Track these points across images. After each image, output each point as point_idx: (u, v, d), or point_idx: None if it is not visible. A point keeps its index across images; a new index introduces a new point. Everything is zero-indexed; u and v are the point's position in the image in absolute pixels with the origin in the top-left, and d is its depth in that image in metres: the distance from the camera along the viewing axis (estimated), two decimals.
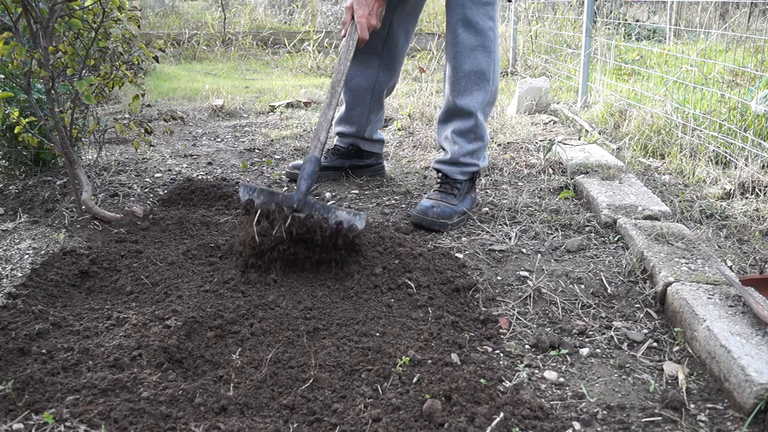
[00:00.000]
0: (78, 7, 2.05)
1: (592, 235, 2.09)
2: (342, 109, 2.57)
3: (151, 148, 3.10)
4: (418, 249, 1.86)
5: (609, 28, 5.23)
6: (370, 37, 2.25)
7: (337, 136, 2.65)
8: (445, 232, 2.10)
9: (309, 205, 1.66)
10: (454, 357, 1.40)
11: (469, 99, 2.15)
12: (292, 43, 6.67)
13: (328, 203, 2.30)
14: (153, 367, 1.32)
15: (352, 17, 2.04)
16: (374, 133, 2.62)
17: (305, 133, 3.47)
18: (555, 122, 3.67)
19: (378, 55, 2.42)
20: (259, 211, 1.64)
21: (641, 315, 1.63)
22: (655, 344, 1.50)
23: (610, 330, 1.56)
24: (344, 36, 2.04)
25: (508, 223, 2.18)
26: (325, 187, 2.54)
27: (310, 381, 1.30)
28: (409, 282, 1.70)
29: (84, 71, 2.17)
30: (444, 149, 2.27)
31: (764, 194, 2.42)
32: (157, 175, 2.67)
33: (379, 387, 1.29)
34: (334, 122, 2.58)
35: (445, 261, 1.85)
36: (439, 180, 2.27)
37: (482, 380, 1.30)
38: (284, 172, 2.71)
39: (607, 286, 1.76)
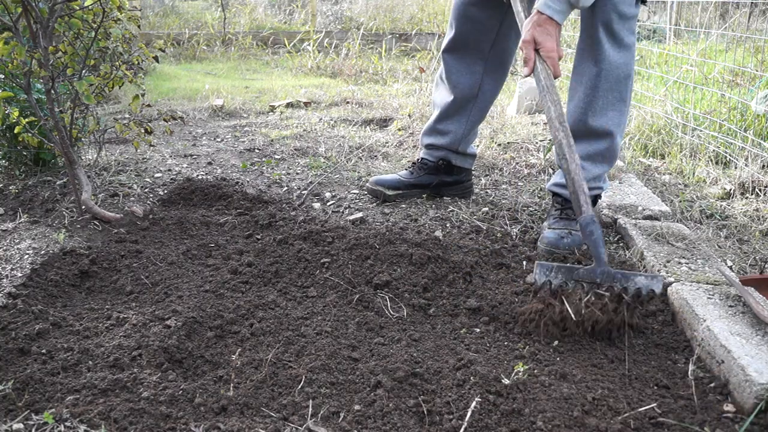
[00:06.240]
0: (78, 7, 2.05)
1: None
2: (433, 117, 2.35)
3: (151, 148, 3.10)
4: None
5: None
6: (476, 37, 2.11)
7: (424, 149, 2.42)
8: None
9: (610, 276, 1.52)
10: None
11: (605, 119, 1.96)
12: (292, 43, 6.67)
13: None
14: (153, 367, 1.32)
15: (536, 51, 1.78)
16: (468, 146, 2.38)
17: (305, 133, 3.47)
18: None
19: (483, 59, 2.20)
20: (560, 294, 1.52)
21: None
22: None
23: None
24: (528, 75, 1.80)
25: (508, 223, 2.18)
26: (325, 188, 2.54)
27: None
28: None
29: (84, 71, 2.17)
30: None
31: (764, 194, 2.42)
32: (157, 175, 2.67)
33: None
34: (422, 133, 2.41)
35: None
36: (558, 205, 2.06)
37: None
38: (365, 187, 2.44)
39: None
